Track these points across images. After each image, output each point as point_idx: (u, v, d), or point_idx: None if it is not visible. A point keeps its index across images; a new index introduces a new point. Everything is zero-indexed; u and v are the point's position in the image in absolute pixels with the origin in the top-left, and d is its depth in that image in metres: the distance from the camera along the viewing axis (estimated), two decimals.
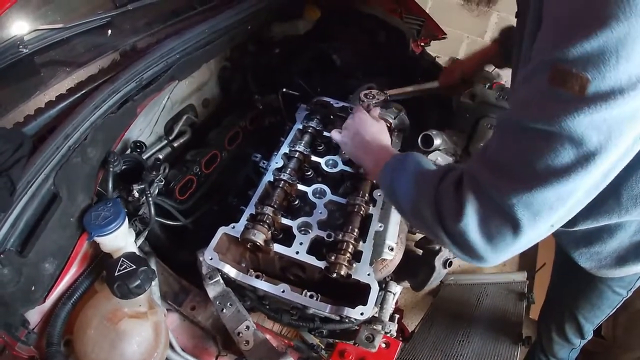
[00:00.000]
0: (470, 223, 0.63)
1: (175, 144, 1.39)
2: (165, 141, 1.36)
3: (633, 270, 1.05)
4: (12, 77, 0.96)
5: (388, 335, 0.98)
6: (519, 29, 0.87)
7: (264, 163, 1.35)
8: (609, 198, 0.85)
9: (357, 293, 0.98)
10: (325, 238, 1.05)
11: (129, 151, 1.12)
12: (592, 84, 0.50)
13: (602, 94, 0.50)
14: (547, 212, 0.58)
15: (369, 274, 0.99)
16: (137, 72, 0.92)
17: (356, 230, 1.05)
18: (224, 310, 0.98)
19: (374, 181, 1.17)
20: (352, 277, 0.98)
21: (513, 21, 0.93)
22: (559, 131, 0.53)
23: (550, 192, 0.56)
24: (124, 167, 0.99)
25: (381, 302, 1.14)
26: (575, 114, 0.51)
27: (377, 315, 1.11)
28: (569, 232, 1.03)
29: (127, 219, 0.90)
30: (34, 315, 0.89)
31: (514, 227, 0.60)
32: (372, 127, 1.06)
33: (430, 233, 0.74)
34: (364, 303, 0.94)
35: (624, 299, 1.24)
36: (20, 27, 1.00)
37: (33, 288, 0.83)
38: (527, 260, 2.39)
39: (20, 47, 0.96)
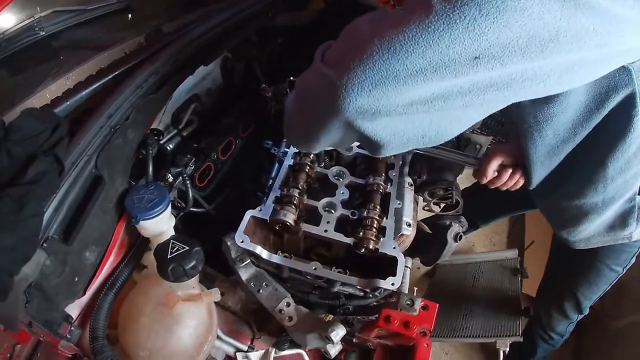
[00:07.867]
0: None
1: (184, 133, 1.37)
2: (175, 130, 1.34)
3: (621, 235, 1.12)
4: (30, 59, 0.93)
5: None
6: None
7: (275, 150, 1.36)
8: (595, 167, 0.92)
9: (381, 268, 1.02)
10: (350, 216, 1.09)
11: None
12: None
13: None
14: None
15: (394, 247, 1.04)
16: (173, 54, 0.91)
17: (378, 207, 1.10)
18: (261, 291, 0.99)
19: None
20: (380, 250, 1.02)
21: None
22: None
23: None
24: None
25: None
26: None
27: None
28: (558, 212, 1.12)
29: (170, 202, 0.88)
30: (73, 310, 0.84)
31: None
32: None
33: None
34: (393, 275, 0.99)
35: (620, 275, 1.32)
36: (38, 9, 0.96)
37: (76, 279, 0.78)
38: (515, 238, 2.53)
39: (37, 29, 0.94)
